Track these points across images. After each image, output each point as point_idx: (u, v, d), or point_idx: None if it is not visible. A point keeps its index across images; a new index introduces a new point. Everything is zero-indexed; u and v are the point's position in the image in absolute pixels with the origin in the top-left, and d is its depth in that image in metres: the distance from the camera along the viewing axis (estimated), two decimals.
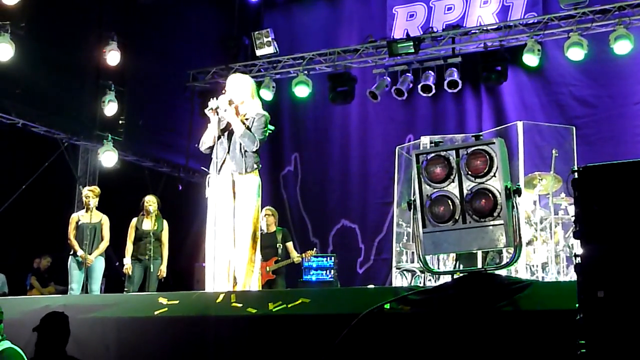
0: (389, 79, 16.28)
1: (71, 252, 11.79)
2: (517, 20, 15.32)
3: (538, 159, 12.73)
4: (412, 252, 12.44)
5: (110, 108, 15.99)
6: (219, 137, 7.94)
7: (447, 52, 15.87)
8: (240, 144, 7.87)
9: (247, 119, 7.97)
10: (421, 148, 11.66)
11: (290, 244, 12.79)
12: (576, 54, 14.17)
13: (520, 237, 5.39)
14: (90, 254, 11.62)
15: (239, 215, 7.74)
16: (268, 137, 8.32)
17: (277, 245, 12.49)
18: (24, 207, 14.84)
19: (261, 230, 11.91)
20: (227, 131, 7.99)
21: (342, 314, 5.40)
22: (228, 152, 7.88)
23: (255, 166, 7.89)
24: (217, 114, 7.90)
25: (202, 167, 8.17)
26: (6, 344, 5.54)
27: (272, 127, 8.22)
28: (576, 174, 4.25)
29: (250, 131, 7.87)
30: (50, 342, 6.26)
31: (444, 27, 16.19)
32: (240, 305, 5.98)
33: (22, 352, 5.55)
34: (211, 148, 8.01)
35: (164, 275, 12.03)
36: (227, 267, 7.64)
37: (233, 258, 7.67)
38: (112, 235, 12.01)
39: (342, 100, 16.73)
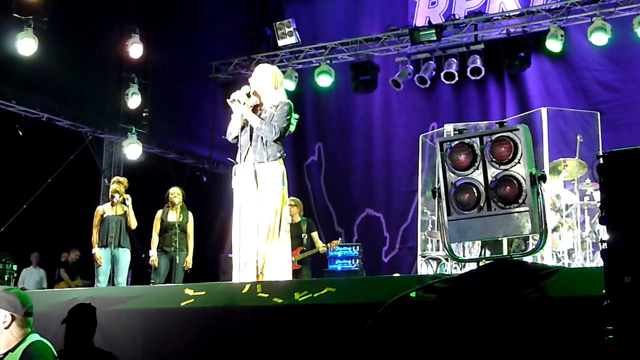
0: (411, 67, 16.27)
1: (98, 245, 11.85)
2: (539, 6, 15.25)
3: (563, 145, 12.68)
4: (437, 240, 12.43)
5: (134, 101, 16.09)
6: (242, 128, 7.95)
7: (470, 39, 15.82)
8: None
9: (271, 108, 7.95)
10: (445, 136, 11.62)
11: (315, 234, 12.80)
12: (600, 38, 14.08)
13: (545, 224, 5.37)
14: (116, 247, 11.68)
15: (262, 205, 7.70)
16: None
17: (302, 235, 12.50)
18: (49, 201, 14.94)
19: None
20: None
21: (368, 303, 5.39)
22: (251, 142, 7.86)
23: (278, 155, 7.84)
24: (241, 103, 7.90)
25: (229, 158, 8.14)
26: (35, 336, 5.57)
27: (296, 116, 8.18)
28: (601, 159, 4.22)
29: (269, 122, 7.83)
30: (77, 334, 6.32)
31: (465, 14, 16.15)
32: (266, 295, 5.98)
33: (50, 345, 5.58)
34: (237, 138, 8.01)
35: (190, 267, 12.07)
36: (253, 257, 7.62)
37: (259, 248, 7.65)
38: (137, 227, 12.07)
39: (364, 89, 16.74)
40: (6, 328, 5.49)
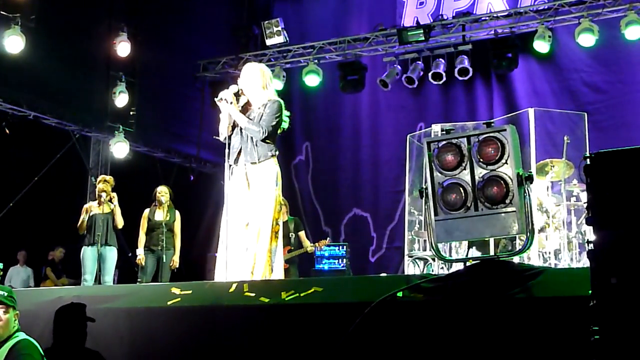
0: (399, 67, 16.27)
1: (84, 243, 11.82)
2: (527, 7, 15.28)
3: (550, 146, 12.70)
4: (424, 240, 12.44)
5: (121, 99, 16.05)
6: (233, 128, 7.90)
7: (458, 39, 15.85)
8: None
9: (259, 107, 7.90)
10: (432, 136, 11.63)
11: (302, 233, 12.79)
12: (587, 40, 14.14)
13: (532, 224, 5.38)
14: (102, 245, 11.65)
15: (254, 206, 7.65)
16: None
17: (290, 234, 12.49)
18: (36, 199, 14.90)
19: None
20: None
21: (354, 303, 5.40)
22: (242, 141, 7.81)
23: (269, 154, 7.75)
24: (228, 102, 7.84)
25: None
26: (21, 335, 5.56)
27: (288, 113, 8.11)
28: (588, 160, 4.23)
29: (257, 121, 7.77)
30: (64, 333, 6.30)
31: (454, 14, 16.17)
32: (253, 294, 5.98)
33: (36, 344, 5.58)
34: (228, 138, 7.94)
35: (177, 266, 12.06)
36: (242, 258, 7.56)
37: (249, 248, 7.59)
38: (124, 226, 12.04)
39: (352, 89, 16.73)
40: (14, 327, 5.53)
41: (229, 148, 7.87)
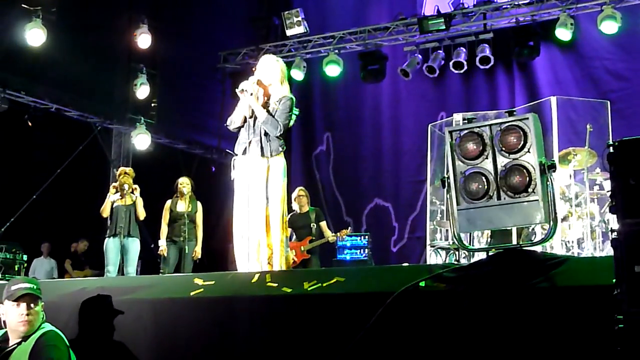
0: (420, 56, 16.24)
1: (107, 235, 11.88)
2: None
3: (572, 134, 12.63)
4: (446, 230, 12.42)
5: (142, 91, 16.10)
6: (245, 119, 7.92)
7: (479, 28, 15.79)
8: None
9: (275, 103, 7.92)
10: (454, 125, 11.60)
11: (323, 224, 12.78)
12: (610, 27, 14.03)
13: (555, 213, 5.35)
14: (125, 236, 11.71)
15: (269, 198, 7.73)
16: (299, 118, 8.27)
17: (311, 224, 12.50)
18: (59, 191, 14.97)
19: (294, 210, 12.07)
20: (255, 114, 7.95)
21: (377, 292, 5.39)
22: (254, 134, 7.84)
23: (280, 149, 7.82)
24: (249, 94, 7.86)
25: (228, 150, 8.12)
26: (47, 326, 5.60)
27: (297, 111, 8.14)
28: (611, 148, 4.20)
29: (273, 117, 7.81)
30: (87, 324, 6.33)
31: (474, 2, 16.11)
32: (275, 284, 5.99)
33: (62, 335, 5.61)
34: (239, 128, 7.99)
35: (199, 257, 12.09)
36: (257, 248, 7.65)
37: (264, 239, 7.67)
38: (146, 217, 12.08)
39: (373, 79, 16.71)
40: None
41: (243, 139, 7.90)
